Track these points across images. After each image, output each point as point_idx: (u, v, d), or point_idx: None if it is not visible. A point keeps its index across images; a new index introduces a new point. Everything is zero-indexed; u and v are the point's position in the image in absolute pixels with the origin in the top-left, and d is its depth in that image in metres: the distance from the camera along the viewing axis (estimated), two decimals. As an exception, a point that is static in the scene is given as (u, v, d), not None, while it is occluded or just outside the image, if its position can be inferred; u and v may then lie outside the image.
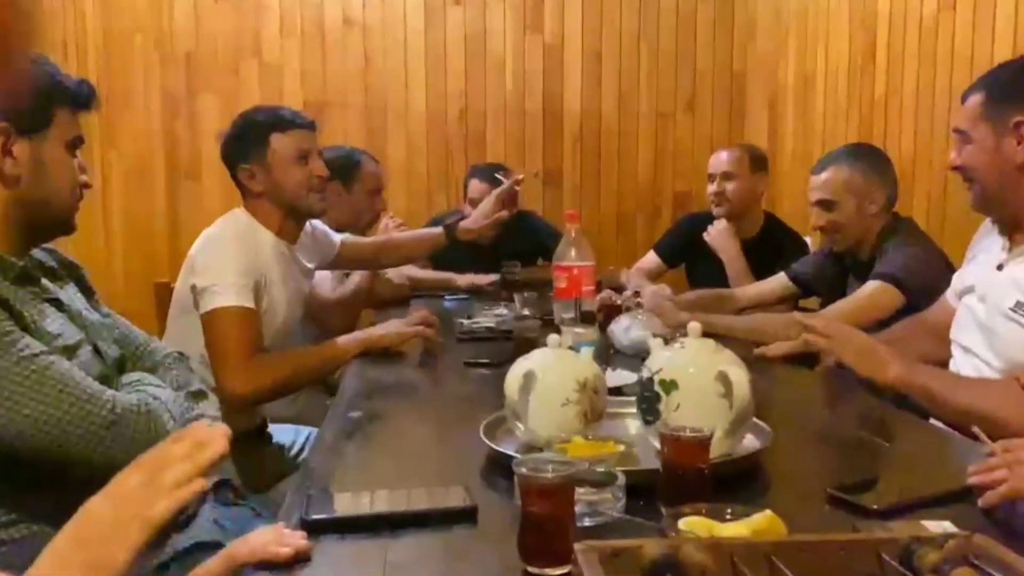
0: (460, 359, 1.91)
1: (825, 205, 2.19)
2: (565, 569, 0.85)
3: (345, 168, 2.82)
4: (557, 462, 0.91)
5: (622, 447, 1.14)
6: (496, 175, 2.85)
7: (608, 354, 1.87)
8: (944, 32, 2.64)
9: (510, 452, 1.14)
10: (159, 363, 1.42)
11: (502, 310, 2.37)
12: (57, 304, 1.27)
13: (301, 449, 2.15)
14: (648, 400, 1.18)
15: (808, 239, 2.93)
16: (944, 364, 1.68)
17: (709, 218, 2.94)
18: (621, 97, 4.06)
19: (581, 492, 0.94)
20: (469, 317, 2.30)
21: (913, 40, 2.81)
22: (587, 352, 1.30)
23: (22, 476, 1.16)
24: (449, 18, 3.94)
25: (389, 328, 1.96)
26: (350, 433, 1.42)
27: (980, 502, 1.03)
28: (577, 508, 0.92)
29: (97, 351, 1.29)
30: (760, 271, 2.66)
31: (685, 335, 1.23)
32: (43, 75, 1.26)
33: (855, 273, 2.23)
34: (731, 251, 2.82)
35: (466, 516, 1.00)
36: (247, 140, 1.96)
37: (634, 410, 1.25)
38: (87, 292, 1.40)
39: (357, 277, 2.67)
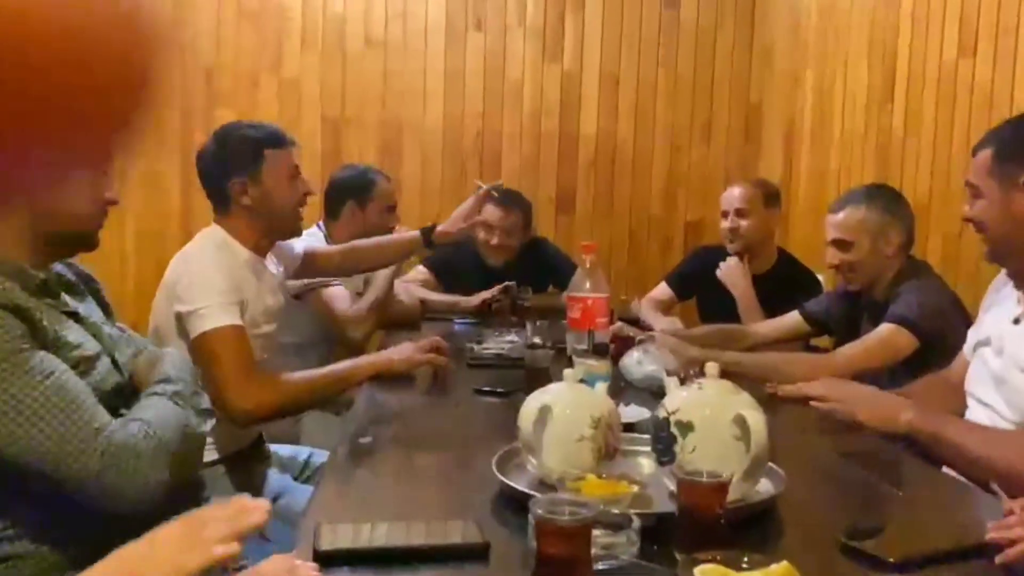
0: (470, 385, 1.91)
1: (840, 245, 2.19)
2: (579, 614, 0.84)
3: (359, 187, 2.84)
4: (574, 504, 0.90)
5: (636, 487, 1.14)
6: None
7: (620, 387, 1.86)
8: (963, 75, 2.65)
9: (523, 488, 1.13)
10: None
11: (513, 336, 2.36)
12: (76, 317, 1.28)
13: (304, 467, 2.15)
14: (664, 441, 1.17)
15: (821, 277, 2.92)
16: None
17: (722, 252, 2.94)
18: (637, 123, 4.08)
19: (596, 534, 0.93)
20: (479, 343, 2.29)
21: (932, 81, 2.81)
22: (602, 387, 1.30)
23: (24, 494, 1.16)
24: (469, 42, 3.96)
25: (401, 353, 1.96)
26: (361, 460, 1.41)
27: (998, 559, 1.02)
28: (592, 551, 0.91)
29: (115, 363, 1.30)
30: (772, 307, 2.66)
31: (698, 371, 1.23)
32: None
33: (869, 314, 2.22)
34: (742, 287, 2.81)
35: (478, 553, 0.99)
36: (240, 153, 1.93)
37: (647, 448, 1.25)
38: (104, 307, 1.40)
39: (375, 290, 2.66)
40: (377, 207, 2.83)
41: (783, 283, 2.84)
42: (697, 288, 3.14)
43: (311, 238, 2.56)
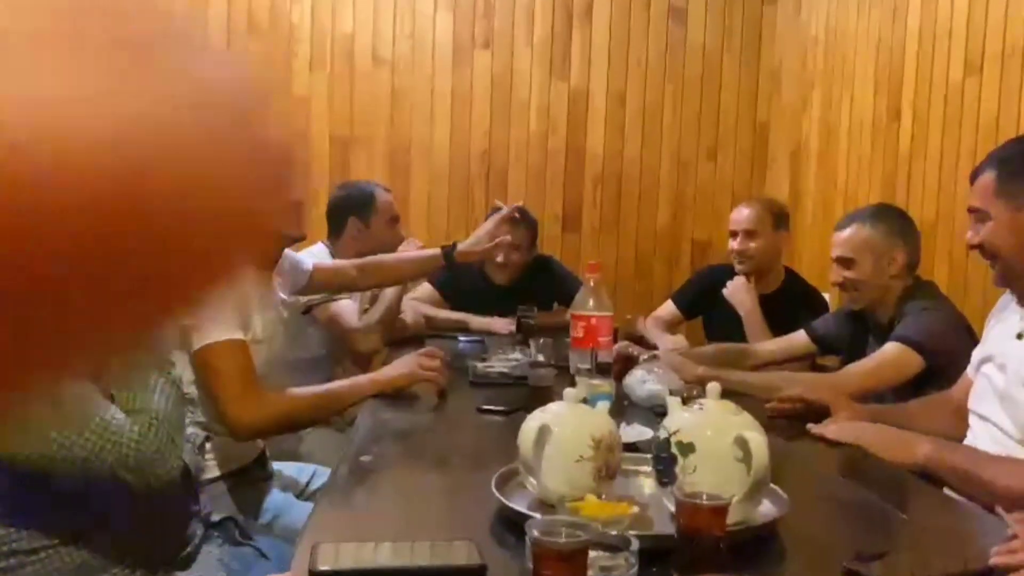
0: (473, 404, 1.90)
1: (844, 262, 2.19)
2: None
3: (360, 203, 2.84)
4: (571, 525, 0.90)
5: (636, 509, 1.13)
6: (496, 203, 2.86)
7: (623, 406, 1.86)
8: (970, 96, 2.65)
9: (522, 509, 1.13)
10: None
11: (517, 355, 2.36)
12: None
13: (306, 486, 2.14)
14: (664, 461, 1.16)
15: (827, 296, 2.91)
16: (961, 438, 1.66)
17: (729, 271, 2.93)
18: (644, 142, 4.09)
19: (594, 556, 0.92)
20: (483, 361, 2.29)
21: (938, 101, 2.81)
22: (603, 407, 1.29)
23: (34, 497, 1.16)
24: (477, 61, 3.99)
25: (401, 369, 1.96)
26: (360, 479, 1.40)
27: None
28: (590, 573, 0.90)
29: None
30: (779, 327, 2.65)
31: (702, 391, 1.22)
32: None
33: (875, 334, 2.21)
34: (748, 306, 2.80)
35: (475, 575, 0.98)
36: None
37: (649, 468, 1.24)
38: None
39: (384, 304, 2.65)
40: (381, 220, 2.83)
41: (790, 303, 2.83)
42: (703, 307, 3.13)
43: (315, 257, 2.57)
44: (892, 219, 2.23)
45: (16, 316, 0.20)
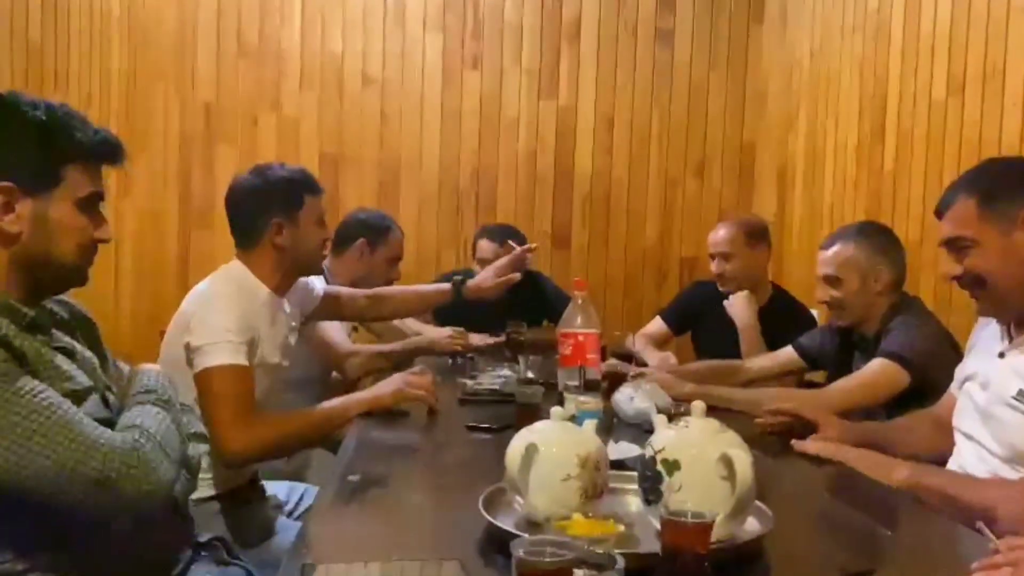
0: (462, 421, 1.90)
1: (830, 281, 2.20)
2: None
3: (376, 229, 2.88)
4: (555, 544, 0.90)
5: (622, 527, 1.13)
6: (508, 240, 2.88)
7: (611, 423, 1.86)
8: (953, 115, 2.68)
9: (509, 528, 1.13)
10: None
11: (506, 371, 2.37)
12: (68, 353, 1.28)
13: (296, 505, 2.13)
14: (650, 480, 1.17)
15: (815, 312, 2.93)
16: (948, 455, 1.67)
17: (716, 288, 2.95)
18: (631, 161, 4.12)
19: (580, 575, 0.93)
20: (472, 378, 2.29)
21: (922, 120, 2.85)
22: (590, 425, 1.30)
23: (20, 519, 1.16)
24: (466, 81, 4.02)
25: (390, 387, 1.96)
26: (348, 498, 1.40)
27: None
28: (574, 592, 0.90)
29: (104, 401, 1.30)
30: (767, 343, 2.67)
31: (689, 408, 1.23)
32: (59, 131, 1.25)
33: (861, 349, 2.23)
34: (747, 321, 2.82)
35: (461, 594, 0.99)
36: (284, 194, 1.97)
37: (635, 486, 1.24)
38: (99, 352, 1.39)
39: (396, 348, 2.67)
40: (385, 253, 2.87)
41: (778, 319, 2.85)
42: (692, 323, 3.15)
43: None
44: (877, 236, 2.24)
45: None
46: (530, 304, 3.20)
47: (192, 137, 3.95)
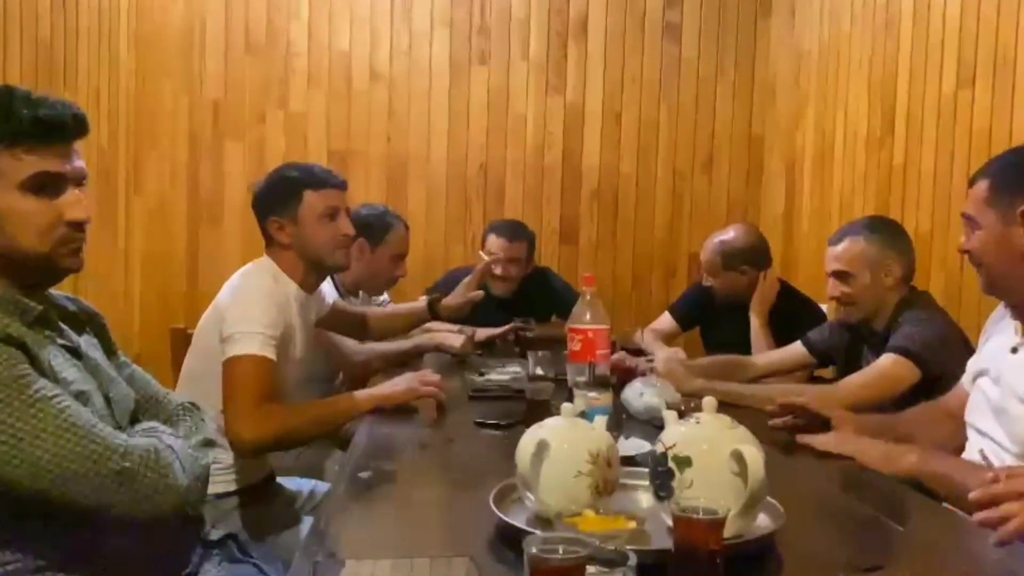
0: (471, 418, 1.91)
1: (840, 276, 2.20)
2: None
3: (376, 228, 2.85)
4: (568, 541, 0.90)
5: (633, 523, 1.13)
6: (480, 252, 2.92)
7: (621, 419, 1.86)
8: (963, 108, 2.67)
9: (520, 524, 1.13)
10: (172, 414, 1.43)
11: (515, 367, 2.37)
12: (73, 352, 1.28)
13: (307, 500, 2.14)
14: (661, 476, 1.17)
15: (824, 307, 2.92)
16: (961, 448, 1.66)
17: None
18: (640, 156, 4.11)
19: (592, 572, 0.93)
20: (481, 374, 2.29)
21: (932, 114, 2.83)
22: (600, 421, 1.30)
23: (31, 519, 1.17)
24: (473, 76, 4.01)
25: (400, 384, 1.97)
26: (358, 494, 1.41)
27: (993, 539, 1.00)
28: (586, 588, 0.90)
29: (108, 401, 1.30)
30: (776, 339, 2.66)
31: (699, 404, 1.23)
32: None
33: (870, 345, 2.22)
34: (760, 317, 2.83)
35: (473, 591, 0.99)
36: (280, 193, 2.01)
37: (646, 482, 1.24)
38: (107, 346, 1.40)
39: (398, 347, 2.67)
40: (388, 251, 2.83)
41: (786, 315, 2.84)
42: (700, 319, 3.15)
43: None
44: (886, 231, 2.24)
45: None
46: (539, 300, 3.20)
47: (200, 134, 3.96)
